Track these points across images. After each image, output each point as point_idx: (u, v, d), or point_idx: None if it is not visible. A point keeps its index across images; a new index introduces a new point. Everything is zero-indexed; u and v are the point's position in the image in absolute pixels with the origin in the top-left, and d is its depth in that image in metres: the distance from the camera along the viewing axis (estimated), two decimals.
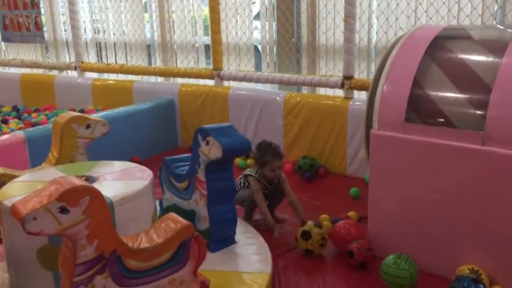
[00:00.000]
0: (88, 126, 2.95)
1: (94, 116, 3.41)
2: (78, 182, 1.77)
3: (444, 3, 3.83)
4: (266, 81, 4.69)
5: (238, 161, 4.42)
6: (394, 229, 2.73)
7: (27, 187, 2.31)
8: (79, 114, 3.07)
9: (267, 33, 5.02)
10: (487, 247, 2.41)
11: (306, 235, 2.82)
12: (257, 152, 3.20)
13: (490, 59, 2.58)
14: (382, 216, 2.77)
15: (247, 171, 3.29)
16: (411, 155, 2.58)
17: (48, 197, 1.70)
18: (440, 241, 2.56)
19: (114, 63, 6.05)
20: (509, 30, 2.94)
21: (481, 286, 2.23)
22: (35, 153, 3.64)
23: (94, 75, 6.14)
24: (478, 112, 2.45)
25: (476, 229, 2.43)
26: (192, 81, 5.32)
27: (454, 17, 3.81)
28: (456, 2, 3.79)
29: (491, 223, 2.37)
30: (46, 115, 5.56)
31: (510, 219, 2.31)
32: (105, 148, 3.66)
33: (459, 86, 2.57)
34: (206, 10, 5.22)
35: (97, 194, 1.77)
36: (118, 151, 4.11)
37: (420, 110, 2.63)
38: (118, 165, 2.67)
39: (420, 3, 3.96)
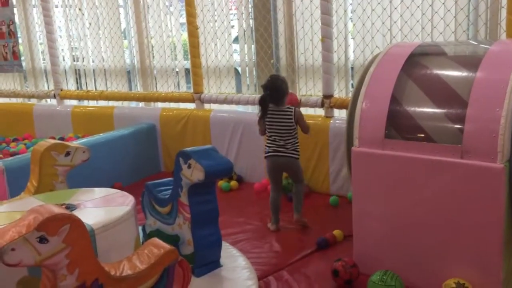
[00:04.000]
0: (67, 154, 2.91)
1: (74, 143, 3.37)
2: (57, 210, 1.73)
3: (417, 21, 3.92)
4: (246, 102, 4.71)
5: (221, 183, 4.40)
6: (379, 245, 2.73)
7: (5, 218, 2.26)
8: (58, 141, 3.03)
9: (246, 55, 5.06)
10: (471, 260, 2.42)
11: None
12: (281, 83, 3.36)
13: (464, 74, 2.64)
14: (366, 233, 2.77)
15: (287, 108, 3.36)
16: (392, 171, 2.60)
17: (26, 227, 1.66)
18: (424, 256, 2.56)
19: (94, 89, 6.02)
20: (481, 45, 3.02)
21: None
22: (14, 183, 3.56)
23: (74, 102, 6.09)
24: (455, 126, 2.49)
25: (459, 241, 2.44)
26: (173, 105, 5.32)
27: (428, 35, 3.89)
28: (429, 20, 3.88)
29: (473, 235, 2.39)
30: (25, 144, 5.49)
31: (491, 231, 2.33)
32: (86, 175, 3.61)
33: (436, 101, 2.61)
34: (185, 35, 5.25)
35: (77, 222, 1.74)
36: (100, 178, 4.06)
37: (399, 126, 2.67)
38: (98, 192, 2.64)
39: (395, 22, 4.04)
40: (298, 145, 3.42)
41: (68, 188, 2.91)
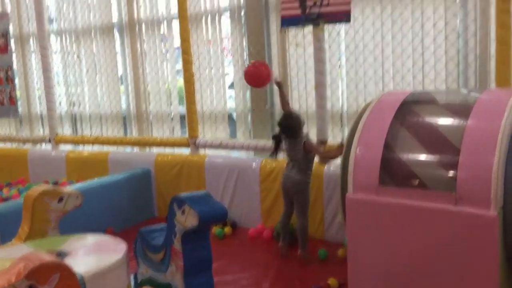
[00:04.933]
0: (60, 199, 2.90)
1: (67, 188, 3.36)
2: (47, 258, 1.71)
3: (409, 70, 4.01)
4: (241, 148, 4.74)
5: (215, 229, 4.35)
6: None
7: None
8: (51, 187, 3.02)
9: (241, 101, 5.13)
10: None
11: None
12: (296, 120, 3.61)
13: (456, 121, 2.68)
14: (361, 281, 2.73)
15: (299, 140, 3.59)
16: (387, 218, 2.60)
17: (16, 275, 1.63)
18: None
19: (89, 134, 6.04)
20: (472, 93, 3.08)
21: None
22: (7, 229, 3.50)
23: (69, 147, 6.10)
24: (449, 173, 2.50)
25: None
26: (168, 150, 5.33)
27: (420, 83, 3.98)
28: (420, 69, 3.97)
29: (468, 283, 2.36)
30: (18, 189, 5.44)
31: (486, 279, 2.31)
32: (79, 220, 3.58)
33: (428, 149, 2.64)
34: (180, 81, 5.33)
35: (67, 271, 1.71)
36: (93, 223, 4.01)
37: (393, 172, 2.68)
38: (91, 239, 2.61)
39: (387, 70, 4.13)
40: (309, 172, 3.67)
41: (60, 233, 2.88)
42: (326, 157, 3.78)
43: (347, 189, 2.78)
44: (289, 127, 3.62)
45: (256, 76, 3.65)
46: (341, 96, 4.49)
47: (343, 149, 3.34)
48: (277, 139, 3.68)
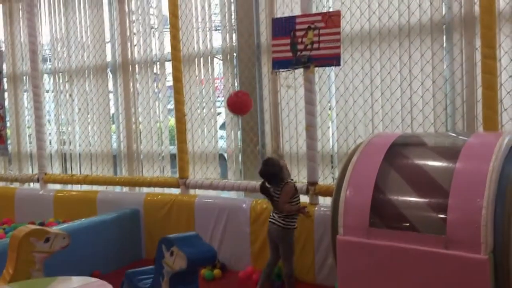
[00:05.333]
0: (47, 240, 2.85)
1: (54, 228, 3.31)
2: None
3: (398, 113, 4.07)
4: (232, 188, 4.72)
5: (204, 272, 4.28)
6: None
7: None
8: (38, 227, 2.97)
9: (233, 142, 5.15)
10: None
11: None
12: (274, 165, 3.62)
13: (444, 164, 2.71)
14: None
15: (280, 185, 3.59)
16: (377, 260, 2.58)
17: None
18: None
19: (79, 174, 5.99)
20: (460, 137, 3.12)
21: None
22: None
23: (57, 186, 6.03)
24: (438, 216, 2.51)
25: None
26: (158, 190, 5.29)
27: (408, 126, 4.03)
28: (408, 112, 4.04)
29: None
30: (4, 229, 5.33)
31: None
32: (65, 261, 3.50)
33: (418, 191, 2.65)
34: (172, 120, 5.35)
35: None
36: (79, 265, 3.93)
37: (383, 214, 2.68)
38: (76, 281, 2.55)
39: (376, 113, 4.19)
40: (294, 217, 3.63)
41: (45, 275, 2.81)
42: (282, 210, 3.59)
43: (338, 231, 2.77)
44: (269, 173, 3.64)
45: (238, 104, 3.91)
46: (331, 138, 4.53)
47: (302, 212, 3.59)
48: (264, 189, 3.67)
